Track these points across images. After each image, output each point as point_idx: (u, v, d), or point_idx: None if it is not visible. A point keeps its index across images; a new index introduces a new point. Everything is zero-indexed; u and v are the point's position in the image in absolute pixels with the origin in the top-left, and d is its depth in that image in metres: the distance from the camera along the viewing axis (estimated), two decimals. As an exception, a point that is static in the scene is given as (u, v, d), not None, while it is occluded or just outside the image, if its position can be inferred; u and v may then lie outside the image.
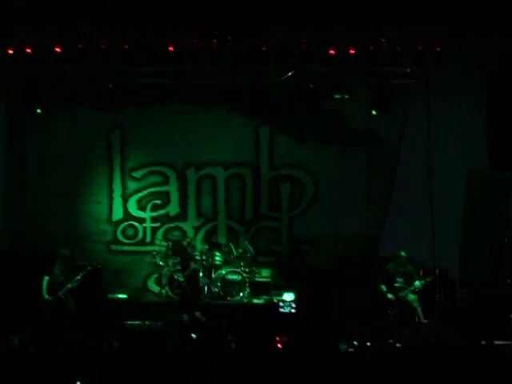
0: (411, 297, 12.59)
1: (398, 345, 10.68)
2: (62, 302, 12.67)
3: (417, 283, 12.54)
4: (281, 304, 14.12)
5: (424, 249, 14.27)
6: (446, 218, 14.74)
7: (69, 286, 12.66)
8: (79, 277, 12.70)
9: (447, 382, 7.86)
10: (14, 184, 15.79)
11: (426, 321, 12.63)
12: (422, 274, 12.94)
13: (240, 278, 14.81)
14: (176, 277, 14.25)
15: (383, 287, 12.66)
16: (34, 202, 15.67)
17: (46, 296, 12.64)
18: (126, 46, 13.80)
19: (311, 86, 14.67)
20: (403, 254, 12.69)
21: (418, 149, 15.03)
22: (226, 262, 15.11)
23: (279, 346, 10.17)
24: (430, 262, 13.93)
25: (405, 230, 14.59)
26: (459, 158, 14.96)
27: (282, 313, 13.97)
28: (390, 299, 12.57)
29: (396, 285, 12.59)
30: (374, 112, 14.80)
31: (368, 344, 9.87)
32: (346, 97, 14.90)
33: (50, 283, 12.68)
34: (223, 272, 14.86)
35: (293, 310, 13.97)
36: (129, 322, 13.48)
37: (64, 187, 15.67)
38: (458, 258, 14.67)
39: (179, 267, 14.36)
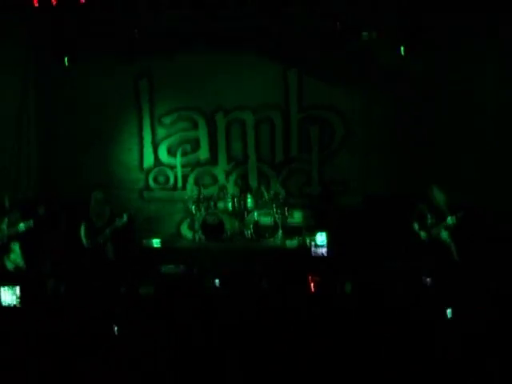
0: (444, 234, 12.58)
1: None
2: (100, 248, 12.85)
3: (449, 220, 12.50)
4: (313, 249, 14.18)
5: (455, 186, 14.07)
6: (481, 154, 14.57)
7: (107, 231, 12.82)
8: (116, 224, 12.85)
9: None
10: (45, 134, 15.87)
11: (459, 259, 12.61)
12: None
13: (272, 220, 14.89)
14: (209, 221, 14.43)
15: (415, 226, 12.67)
16: (66, 152, 15.82)
17: (86, 241, 12.80)
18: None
19: (338, 25, 14.51)
20: (433, 191, 12.65)
21: (449, 86, 14.82)
22: (258, 206, 15.19)
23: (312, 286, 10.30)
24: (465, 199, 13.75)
25: (436, 169, 14.40)
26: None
27: (315, 255, 14.02)
28: (422, 238, 12.58)
29: (428, 223, 12.59)
30: (402, 50, 14.57)
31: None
32: (374, 36, 14.72)
33: (87, 228, 12.84)
34: (255, 215, 14.94)
35: (324, 253, 14.02)
36: (163, 268, 13.69)
37: (94, 136, 15.76)
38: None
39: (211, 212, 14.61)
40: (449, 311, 8.73)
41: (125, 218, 12.98)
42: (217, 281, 10.92)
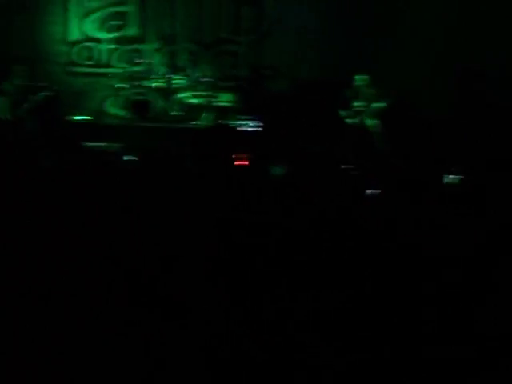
0: (369, 121, 12.61)
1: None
2: (20, 121, 12.50)
3: (374, 105, 12.50)
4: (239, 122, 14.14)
5: (389, 72, 14.04)
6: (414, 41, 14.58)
7: (26, 105, 12.47)
8: (38, 97, 12.51)
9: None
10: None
11: (383, 146, 12.71)
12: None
13: (200, 101, 14.72)
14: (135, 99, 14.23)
15: (342, 112, 12.67)
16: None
17: (2, 113, 12.44)
18: None
19: None
20: (362, 77, 12.62)
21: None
22: (186, 86, 14.96)
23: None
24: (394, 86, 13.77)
25: (370, 53, 14.31)
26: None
27: (242, 131, 13.96)
28: (349, 123, 12.59)
29: (355, 109, 12.60)
30: None
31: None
32: None
33: (4, 102, 12.46)
34: (183, 96, 14.74)
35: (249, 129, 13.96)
36: (88, 144, 13.52)
37: (18, 4, 15.12)
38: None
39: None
40: (368, 192, 8.90)
41: (46, 94, 12.62)
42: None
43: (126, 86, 14.85)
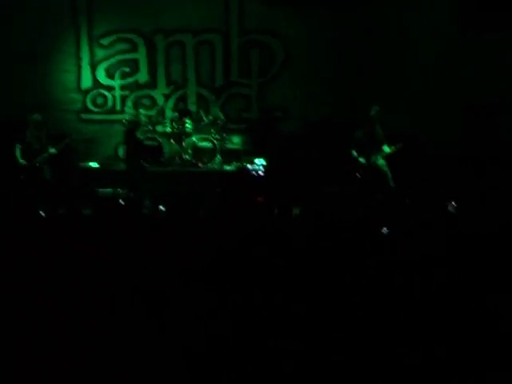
0: (381, 161, 12.72)
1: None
2: (37, 169, 12.65)
3: (386, 148, 12.65)
4: (249, 166, 14.26)
5: (397, 113, 14.28)
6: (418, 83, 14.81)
7: (46, 155, 12.61)
8: (55, 150, 12.64)
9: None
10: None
11: (394, 185, 12.81)
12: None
13: (211, 145, 14.85)
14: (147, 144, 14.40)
15: (354, 152, 12.78)
16: (1, 71, 15.44)
17: (21, 161, 12.59)
18: None
19: None
20: (372, 120, 12.73)
21: (391, 11, 14.88)
22: (197, 130, 15.11)
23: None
24: (402, 127, 13.99)
25: (377, 95, 14.50)
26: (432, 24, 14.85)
27: (253, 176, 14.09)
28: (361, 163, 12.69)
29: (366, 150, 12.71)
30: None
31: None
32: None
33: (23, 151, 12.61)
34: (194, 139, 14.88)
35: (261, 173, 14.11)
36: (101, 190, 13.64)
37: (31, 55, 15.38)
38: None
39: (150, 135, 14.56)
40: (384, 229, 9.06)
41: (64, 144, 12.76)
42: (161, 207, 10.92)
43: (139, 131, 14.97)
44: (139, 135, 13.59)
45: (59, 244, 8.25)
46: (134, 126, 13.84)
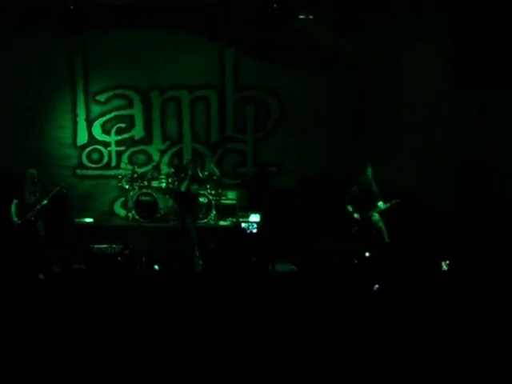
0: (376, 217, 12.74)
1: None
2: (31, 224, 12.61)
3: (381, 205, 12.66)
4: (243, 225, 14.25)
5: (392, 169, 14.37)
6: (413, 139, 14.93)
7: (38, 207, 12.58)
8: (46, 200, 12.62)
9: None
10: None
11: (389, 240, 12.78)
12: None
13: (206, 200, 14.86)
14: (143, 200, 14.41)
15: (349, 207, 12.79)
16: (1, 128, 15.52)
17: (16, 219, 12.57)
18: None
19: (275, 5, 14.59)
20: (367, 175, 12.77)
21: (385, 69, 15.04)
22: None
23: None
24: (398, 183, 14.05)
25: (373, 150, 14.58)
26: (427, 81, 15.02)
27: (247, 233, 14.09)
28: (356, 219, 12.71)
29: (361, 206, 12.73)
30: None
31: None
32: (311, 17, 14.82)
33: (19, 206, 12.59)
34: (190, 195, 14.87)
35: (254, 230, 14.12)
36: (96, 246, 13.57)
37: (27, 111, 15.49)
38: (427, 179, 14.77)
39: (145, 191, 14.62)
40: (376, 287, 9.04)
41: (56, 191, 12.74)
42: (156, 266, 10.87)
43: (134, 187, 15.00)
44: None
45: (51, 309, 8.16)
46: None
